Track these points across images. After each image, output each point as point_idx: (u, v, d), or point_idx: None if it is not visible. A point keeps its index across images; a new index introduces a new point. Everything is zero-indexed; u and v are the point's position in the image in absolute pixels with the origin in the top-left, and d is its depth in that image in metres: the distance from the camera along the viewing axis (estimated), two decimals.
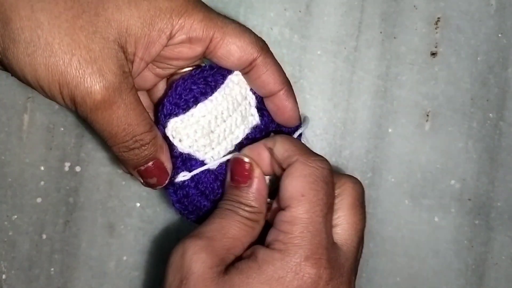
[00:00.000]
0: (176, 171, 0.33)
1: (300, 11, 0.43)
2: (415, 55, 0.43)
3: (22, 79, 0.28)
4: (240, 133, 0.34)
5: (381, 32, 0.43)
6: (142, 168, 0.31)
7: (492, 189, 0.42)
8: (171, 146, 0.32)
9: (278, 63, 0.33)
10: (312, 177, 0.29)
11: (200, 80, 0.33)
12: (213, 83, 0.33)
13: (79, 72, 0.27)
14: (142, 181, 0.32)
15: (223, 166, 0.34)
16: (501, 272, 0.42)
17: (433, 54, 0.43)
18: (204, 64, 0.34)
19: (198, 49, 0.31)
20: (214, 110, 0.33)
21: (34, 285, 0.41)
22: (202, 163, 0.33)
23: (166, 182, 0.32)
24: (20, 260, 0.41)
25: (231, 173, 0.32)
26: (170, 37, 0.30)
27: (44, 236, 0.42)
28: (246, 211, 0.30)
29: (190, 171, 0.33)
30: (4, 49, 0.27)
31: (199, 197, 0.34)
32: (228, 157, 0.33)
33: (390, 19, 0.43)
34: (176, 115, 0.32)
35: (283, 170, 0.30)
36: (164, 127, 0.32)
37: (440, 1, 0.43)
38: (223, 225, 0.30)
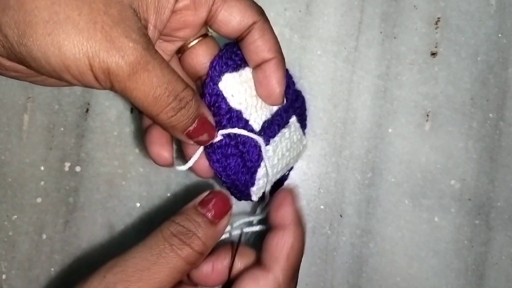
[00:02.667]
0: (220, 130, 0.32)
1: (300, 11, 0.43)
2: (415, 55, 0.43)
3: (45, 66, 0.26)
4: (274, 106, 0.35)
5: (381, 32, 0.43)
6: (191, 128, 0.30)
7: (492, 189, 0.42)
8: (218, 103, 0.32)
9: (275, 34, 0.33)
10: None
11: (238, 49, 0.33)
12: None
13: (105, 37, 0.25)
14: (192, 142, 0.31)
15: (262, 133, 0.34)
16: (501, 272, 0.42)
17: (433, 54, 0.43)
18: (209, 33, 0.34)
19: (201, 14, 0.31)
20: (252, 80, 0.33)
21: (34, 285, 0.41)
22: (247, 123, 0.33)
23: (216, 135, 0.32)
24: (20, 260, 0.41)
25: (206, 201, 0.31)
26: (176, 0, 0.29)
27: (44, 236, 0.42)
28: (197, 246, 0.29)
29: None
30: (21, 36, 0.25)
31: (238, 158, 0.33)
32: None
33: (390, 19, 0.43)
34: (228, 72, 0.32)
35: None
36: (216, 82, 0.32)
37: (440, 1, 0.43)
38: (158, 265, 0.28)
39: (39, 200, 0.42)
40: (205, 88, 0.32)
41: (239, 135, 0.33)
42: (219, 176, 0.33)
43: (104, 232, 0.42)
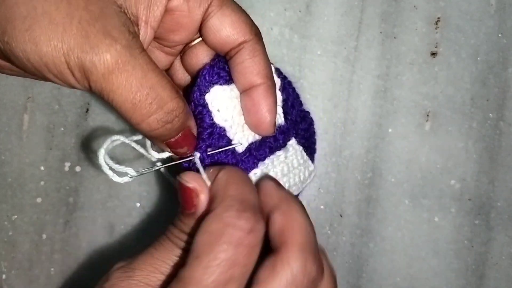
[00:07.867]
0: (199, 144, 0.30)
1: (300, 11, 0.43)
2: (415, 55, 0.43)
3: (27, 64, 0.25)
4: None
5: (381, 32, 0.43)
6: (173, 140, 0.28)
7: (492, 189, 0.42)
8: (202, 115, 0.30)
9: (267, 57, 0.31)
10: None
11: None
12: None
13: (81, 33, 0.24)
14: (169, 151, 0.30)
15: (247, 154, 0.31)
16: (501, 272, 0.42)
17: (433, 54, 0.43)
18: None
19: (196, 17, 0.29)
20: None
21: (34, 285, 0.41)
22: (229, 142, 0.31)
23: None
24: (20, 260, 0.41)
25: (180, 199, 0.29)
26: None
27: (44, 236, 0.42)
28: (185, 242, 0.28)
29: (214, 146, 0.30)
30: (2, 34, 0.24)
31: None
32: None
33: (390, 19, 0.43)
34: (219, 84, 0.30)
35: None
36: (204, 92, 0.30)
37: (440, 1, 0.43)
38: (156, 260, 0.28)
39: (39, 200, 0.42)
40: (191, 96, 0.31)
41: (219, 157, 0.30)
42: None
43: (104, 232, 0.42)
